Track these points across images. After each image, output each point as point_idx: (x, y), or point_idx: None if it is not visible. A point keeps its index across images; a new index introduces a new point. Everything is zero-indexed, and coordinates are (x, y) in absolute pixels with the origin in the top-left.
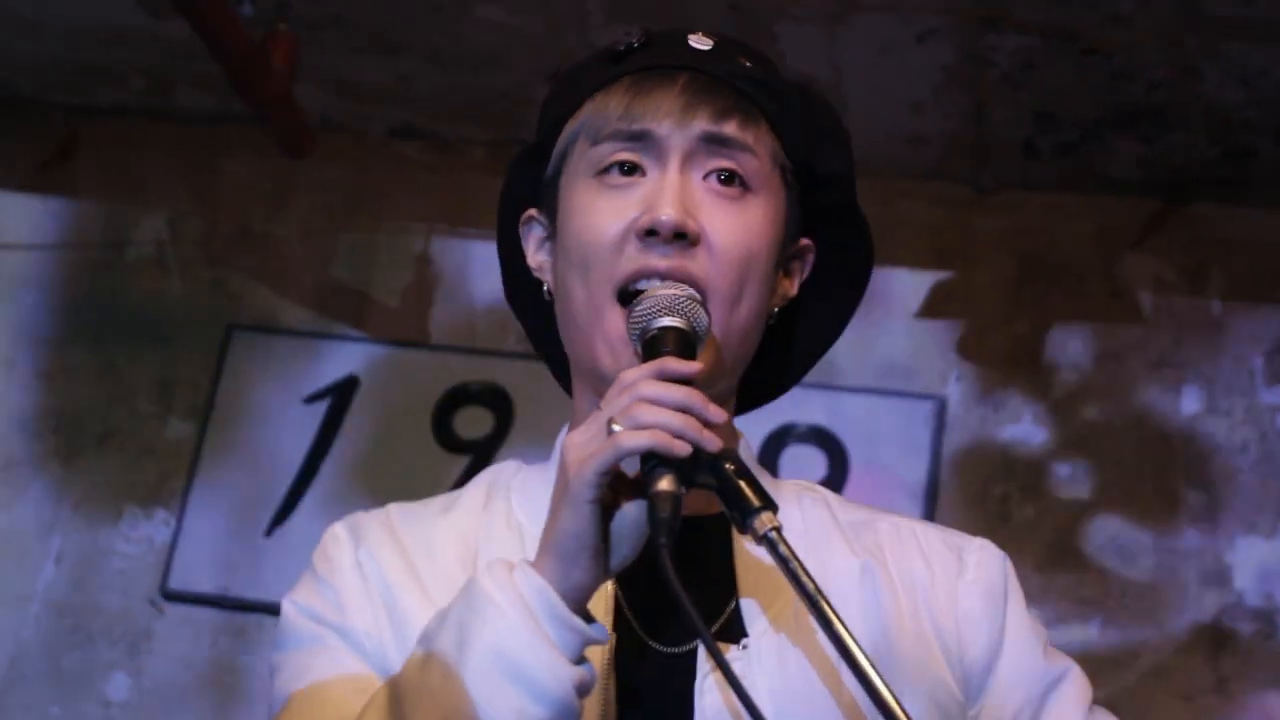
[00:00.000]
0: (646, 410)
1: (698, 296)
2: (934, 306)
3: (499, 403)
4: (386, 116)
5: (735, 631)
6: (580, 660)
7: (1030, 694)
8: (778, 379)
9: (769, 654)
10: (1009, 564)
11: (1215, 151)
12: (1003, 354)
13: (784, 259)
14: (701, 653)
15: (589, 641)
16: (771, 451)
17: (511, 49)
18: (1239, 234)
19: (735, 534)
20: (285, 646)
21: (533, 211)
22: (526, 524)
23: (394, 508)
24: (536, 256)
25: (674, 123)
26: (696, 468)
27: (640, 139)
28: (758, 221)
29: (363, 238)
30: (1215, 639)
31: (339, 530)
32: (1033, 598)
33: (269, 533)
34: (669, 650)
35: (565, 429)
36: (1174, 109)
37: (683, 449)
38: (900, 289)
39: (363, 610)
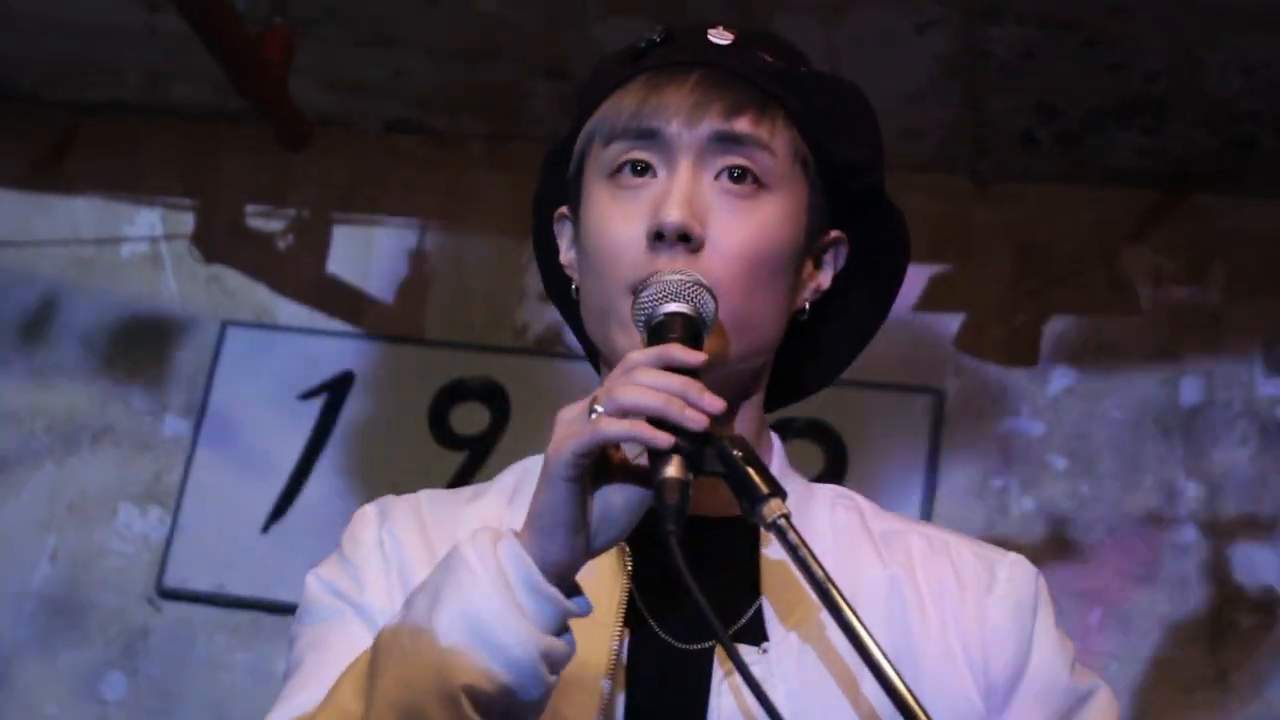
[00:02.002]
0: (629, 391)
1: (704, 282)
2: (932, 299)
3: (496, 399)
4: (383, 110)
5: (755, 633)
6: (561, 632)
7: (1054, 711)
8: (815, 374)
9: (789, 658)
10: (1041, 580)
11: (1216, 142)
12: (1002, 346)
13: (812, 252)
14: (719, 652)
15: (567, 614)
16: None
17: (509, 42)
18: (1239, 225)
19: (762, 537)
20: (304, 619)
21: (563, 210)
22: None
23: (425, 493)
24: (567, 254)
25: (683, 121)
26: (703, 453)
27: (650, 137)
28: (771, 220)
29: (359, 232)
30: (1215, 631)
31: (369, 510)
32: None
33: (265, 529)
34: (685, 648)
35: None
36: (1174, 100)
37: (664, 440)
38: None
39: (379, 587)
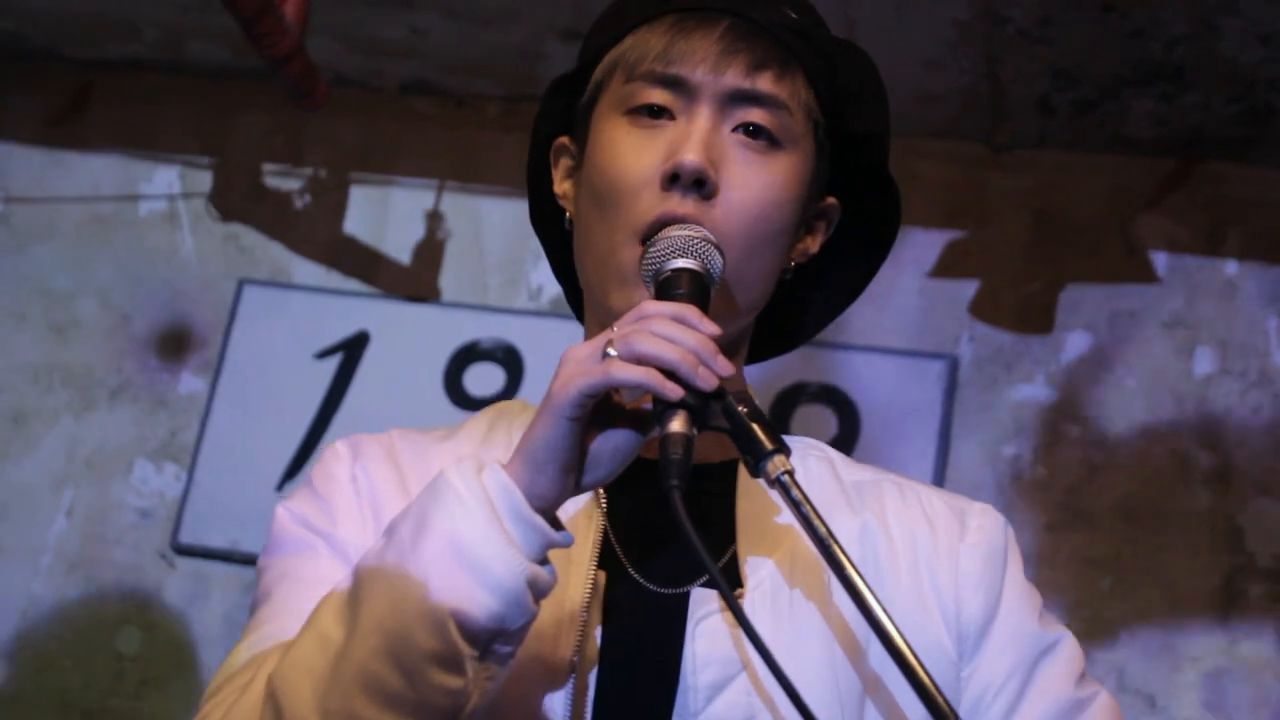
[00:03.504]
0: (646, 340)
1: (712, 239)
2: (947, 265)
3: (510, 360)
4: (399, 71)
5: (731, 579)
6: (543, 563)
7: (1022, 658)
8: (790, 335)
9: (764, 604)
10: (1010, 530)
11: (1233, 110)
12: (1015, 313)
13: (807, 216)
14: (694, 597)
15: (551, 544)
16: (783, 411)
17: (526, 4)
18: (1256, 194)
19: (739, 484)
20: (273, 550)
21: (564, 139)
22: None
23: (397, 432)
24: (562, 184)
25: (708, 69)
26: (709, 410)
27: (673, 84)
28: (781, 178)
29: (375, 193)
30: (1226, 600)
31: (340, 446)
32: (1044, 558)
33: (280, 488)
34: (659, 591)
35: None
36: (1192, 67)
37: (675, 392)
38: (913, 247)
39: (352, 521)
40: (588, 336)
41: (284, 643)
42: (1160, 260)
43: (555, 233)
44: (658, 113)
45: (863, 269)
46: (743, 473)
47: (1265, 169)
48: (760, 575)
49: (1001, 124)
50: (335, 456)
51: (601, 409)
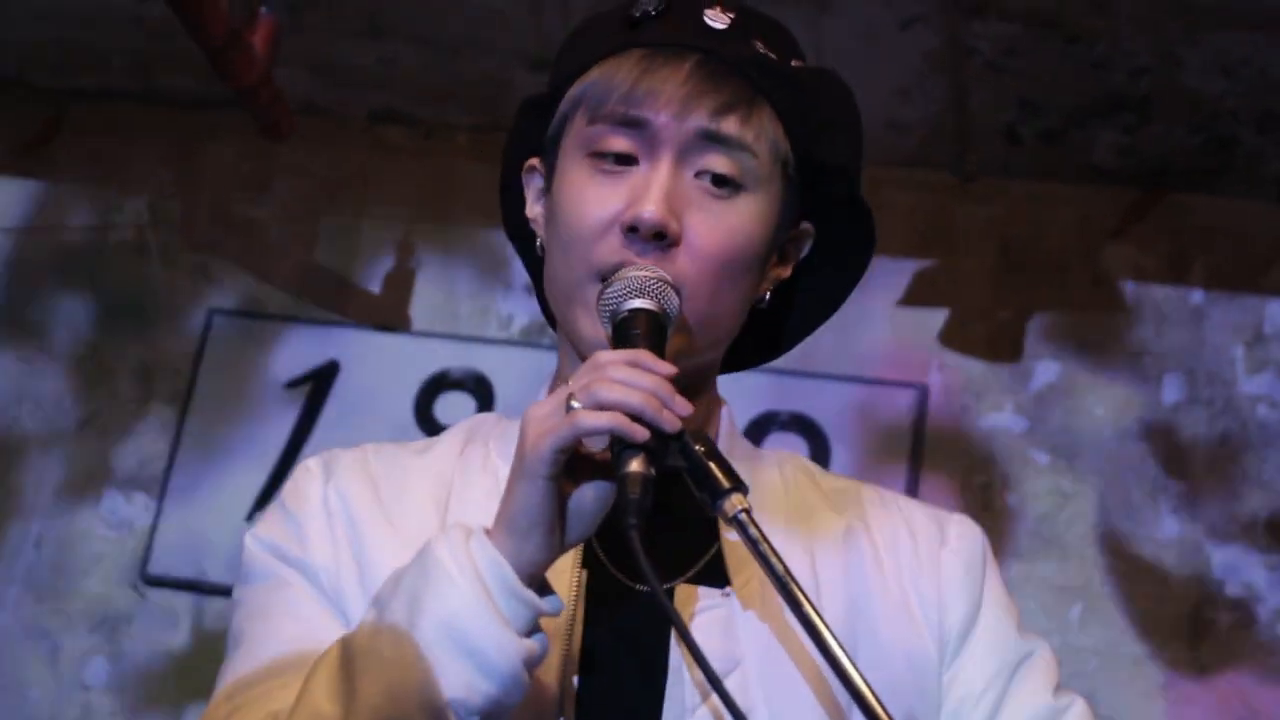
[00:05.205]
0: (607, 387)
1: (668, 278)
2: (916, 294)
3: (481, 389)
4: (368, 100)
5: (717, 576)
6: (533, 632)
7: (1002, 664)
8: (764, 352)
9: (753, 601)
10: (986, 540)
11: (1197, 140)
12: (984, 342)
13: (780, 244)
14: (679, 593)
15: (541, 614)
16: (753, 439)
17: (495, 33)
18: (1220, 223)
19: None
20: (245, 580)
21: (535, 162)
22: (503, 469)
23: (371, 447)
24: (534, 208)
25: (672, 114)
26: (667, 449)
27: (636, 125)
28: (746, 221)
29: (345, 222)
30: (1195, 628)
31: (312, 464)
32: (1014, 586)
33: (249, 517)
34: (642, 589)
35: (548, 380)
36: (1156, 97)
37: (641, 434)
38: (882, 276)
39: (324, 545)
40: (560, 356)
41: (260, 693)
42: (1127, 289)
43: (530, 249)
44: (620, 159)
45: (840, 283)
46: None
47: (1230, 198)
48: (747, 574)
49: (969, 153)
50: (307, 475)
51: (573, 464)
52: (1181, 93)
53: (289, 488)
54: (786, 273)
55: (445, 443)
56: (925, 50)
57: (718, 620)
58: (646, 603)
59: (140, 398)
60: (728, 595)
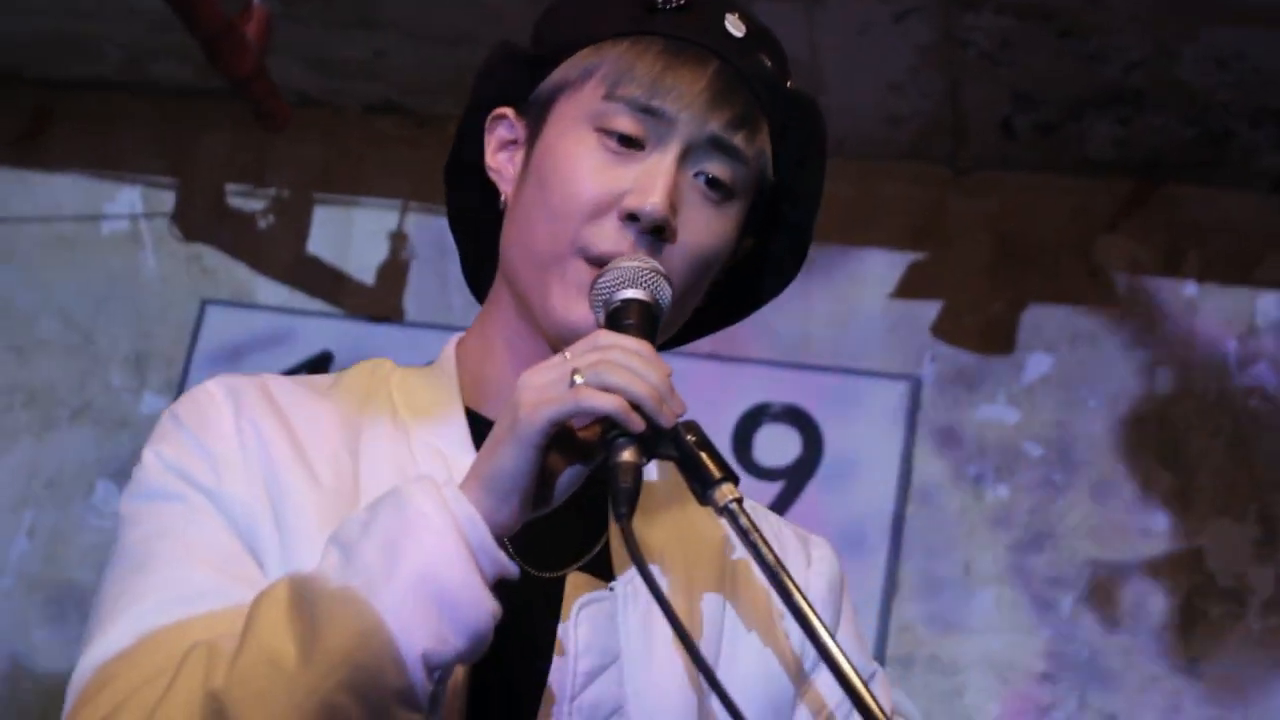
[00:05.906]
0: (614, 371)
1: (662, 270)
2: (909, 286)
3: None
4: (363, 91)
5: (603, 570)
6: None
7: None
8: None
9: (634, 597)
10: (840, 561)
11: (1191, 133)
12: (978, 334)
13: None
14: (570, 582)
15: (505, 578)
16: (746, 431)
17: (489, 24)
18: (1214, 216)
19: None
20: (145, 497)
21: (508, 112)
22: (412, 423)
23: (270, 379)
24: (497, 157)
25: (693, 114)
26: (658, 439)
27: (654, 115)
28: (729, 227)
29: (338, 213)
30: (1186, 619)
31: (214, 389)
32: (1006, 577)
33: None
34: (539, 575)
35: (455, 338)
36: (1151, 91)
37: (638, 424)
38: (876, 269)
39: (239, 480)
40: (490, 310)
41: (184, 624)
42: (1121, 281)
43: (467, 189)
44: (626, 141)
45: (752, 300)
46: None
47: (1223, 191)
48: (630, 570)
49: (963, 146)
50: (211, 401)
51: (557, 437)
52: (1176, 86)
53: (190, 411)
54: (719, 277)
55: (347, 384)
56: (919, 43)
57: (602, 613)
58: (539, 590)
59: (134, 388)
60: (612, 590)
